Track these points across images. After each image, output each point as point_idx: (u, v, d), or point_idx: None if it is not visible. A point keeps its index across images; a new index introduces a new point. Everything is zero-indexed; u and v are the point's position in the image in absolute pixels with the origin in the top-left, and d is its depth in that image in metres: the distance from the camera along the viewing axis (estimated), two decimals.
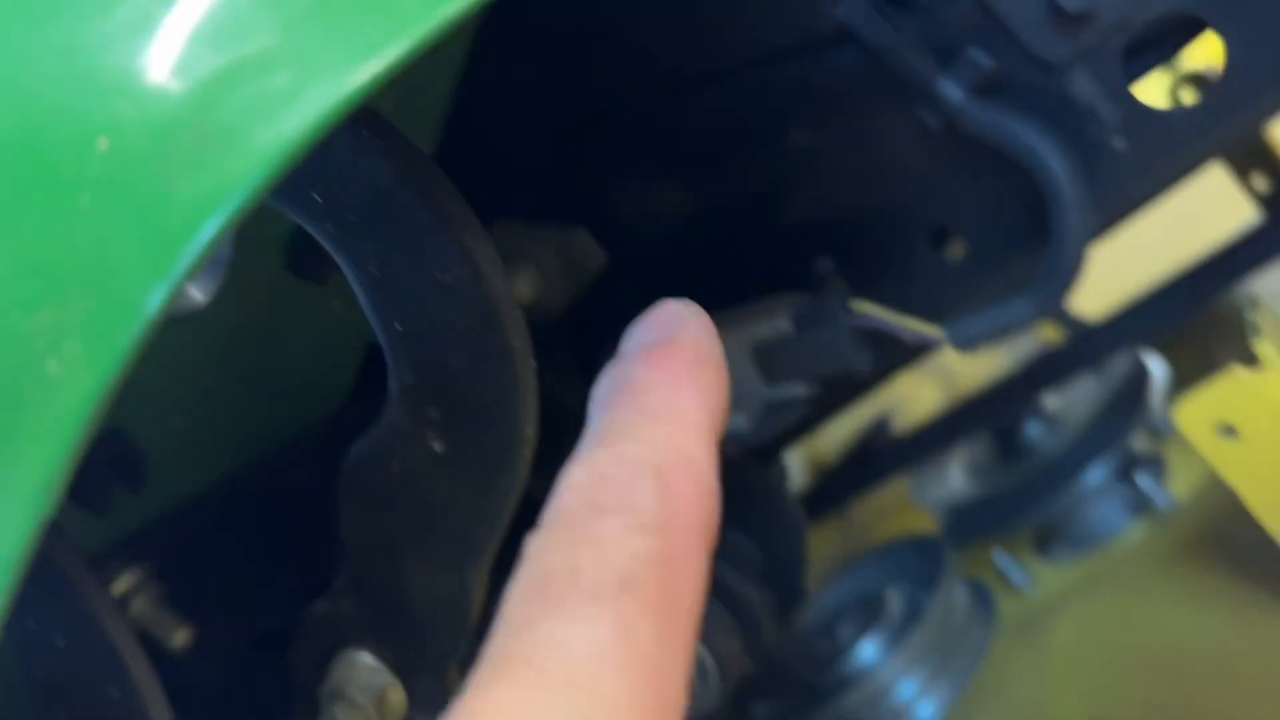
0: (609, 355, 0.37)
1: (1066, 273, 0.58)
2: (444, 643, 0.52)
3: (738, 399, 0.71)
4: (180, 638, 0.60)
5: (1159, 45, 0.57)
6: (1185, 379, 1.11)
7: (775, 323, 0.70)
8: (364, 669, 0.53)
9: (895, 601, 1.04)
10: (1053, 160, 0.55)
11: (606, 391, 0.35)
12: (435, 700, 0.52)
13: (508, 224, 0.77)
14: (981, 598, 1.06)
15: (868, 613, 1.02)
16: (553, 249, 0.82)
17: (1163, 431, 1.12)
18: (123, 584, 0.60)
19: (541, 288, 0.85)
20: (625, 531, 0.30)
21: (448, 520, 0.49)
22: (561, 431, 0.46)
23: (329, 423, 0.70)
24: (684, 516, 0.31)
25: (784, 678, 0.96)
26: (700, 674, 0.73)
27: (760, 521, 0.80)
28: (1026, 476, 1.16)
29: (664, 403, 0.34)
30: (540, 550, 0.31)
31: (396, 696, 0.53)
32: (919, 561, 1.06)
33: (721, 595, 0.72)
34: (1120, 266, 0.97)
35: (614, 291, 0.68)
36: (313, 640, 0.55)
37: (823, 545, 1.25)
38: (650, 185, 0.76)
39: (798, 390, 0.72)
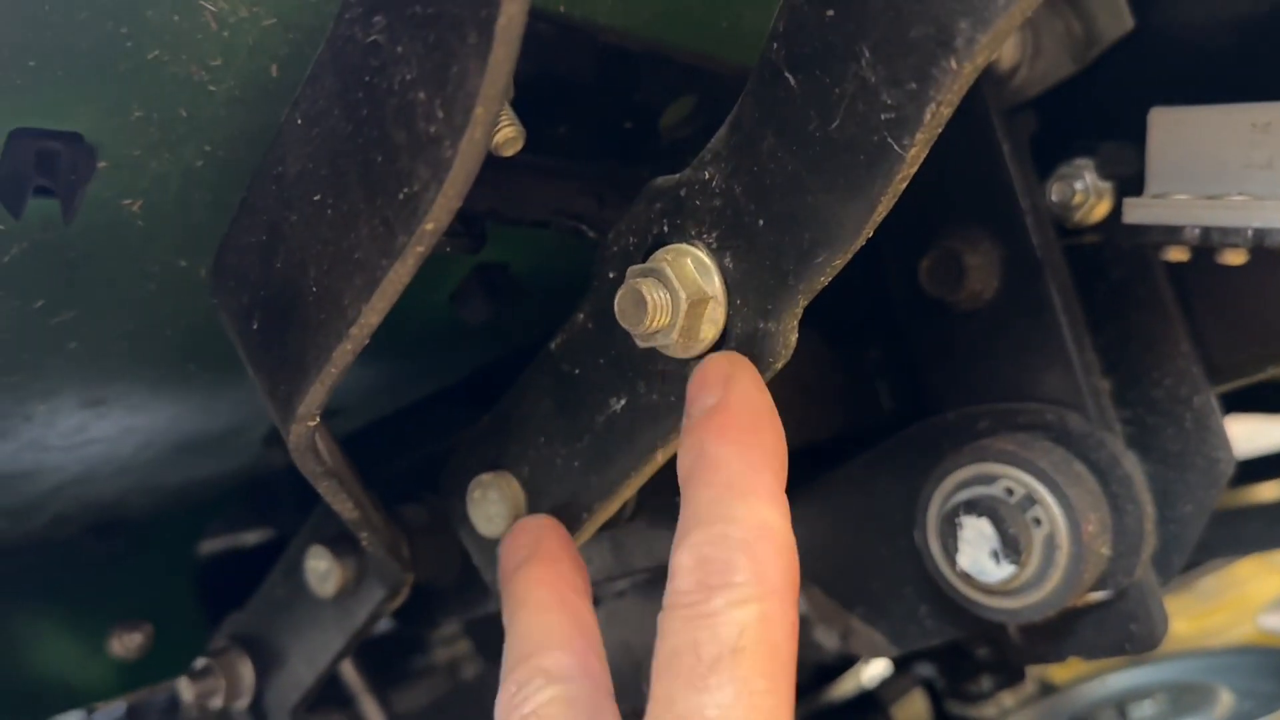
0: None
1: None
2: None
3: None
4: None
5: None
6: None
7: None
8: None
9: (1226, 700, 0.95)
10: None
11: (688, 467, 0.45)
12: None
13: None
14: None
15: (1189, 700, 0.94)
16: (1065, 6, 0.60)
17: None
18: None
19: (1029, 54, 0.63)
20: (730, 606, 0.40)
21: None
22: None
23: None
24: (772, 580, 0.41)
25: None
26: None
27: None
28: None
29: (738, 477, 0.43)
30: (668, 630, 0.41)
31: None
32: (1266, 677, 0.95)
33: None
34: None
35: None
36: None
37: None
38: None
39: None
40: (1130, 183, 0.58)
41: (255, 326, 0.44)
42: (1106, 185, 0.61)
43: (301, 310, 0.41)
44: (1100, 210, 0.61)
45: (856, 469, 0.67)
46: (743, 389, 0.44)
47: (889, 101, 0.38)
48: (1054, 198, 0.61)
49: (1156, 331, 0.62)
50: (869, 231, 0.42)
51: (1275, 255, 0.53)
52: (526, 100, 0.51)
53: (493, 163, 0.50)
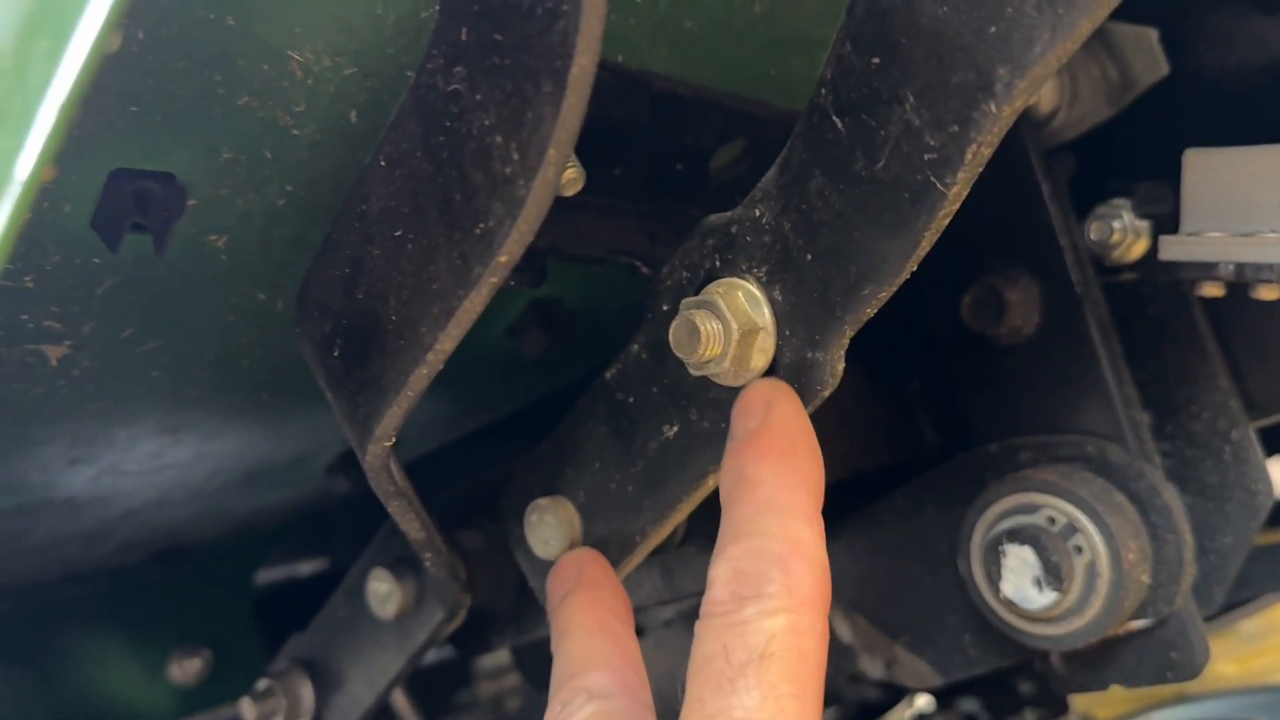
0: None
1: None
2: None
3: None
4: None
5: None
6: None
7: None
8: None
9: None
10: None
11: (729, 487, 0.47)
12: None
13: None
14: None
15: None
16: (1101, 50, 0.63)
17: None
18: None
19: (1067, 99, 0.65)
20: (760, 615, 0.42)
21: None
22: None
23: None
24: (802, 593, 0.43)
25: None
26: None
27: None
28: None
29: (775, 496, 0.45)
30: (702, 637, 0.44)
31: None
32: None
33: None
34: None
35: None
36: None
37: None
38: None
39: None
40: (1166, 221, 0.60)
41: (336, 354, 0.47)
42: (1144, 224, 0.62)
43: (381, 337, 0.44)
44: (1138, 248, 0.63)
45: (900, 499, 0.68)
46: (782, 414, 0.47)
47: (932, 143, 0.41)
48: (1092, 236, 0.63)
49: (1194, 366, 0.64)
50: (913, 266, 0.45)
51: None
52: (585, 143, 0.54)
53: (555, 202, 0.53)
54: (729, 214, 0.50)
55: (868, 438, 0.72)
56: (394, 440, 0.47)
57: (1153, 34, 0.63)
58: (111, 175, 0.46)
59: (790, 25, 0.57)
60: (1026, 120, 0.65)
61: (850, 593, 0.71)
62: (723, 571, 0.44)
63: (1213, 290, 0.55)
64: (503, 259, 0.39)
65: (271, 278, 0.56)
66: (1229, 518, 0.63)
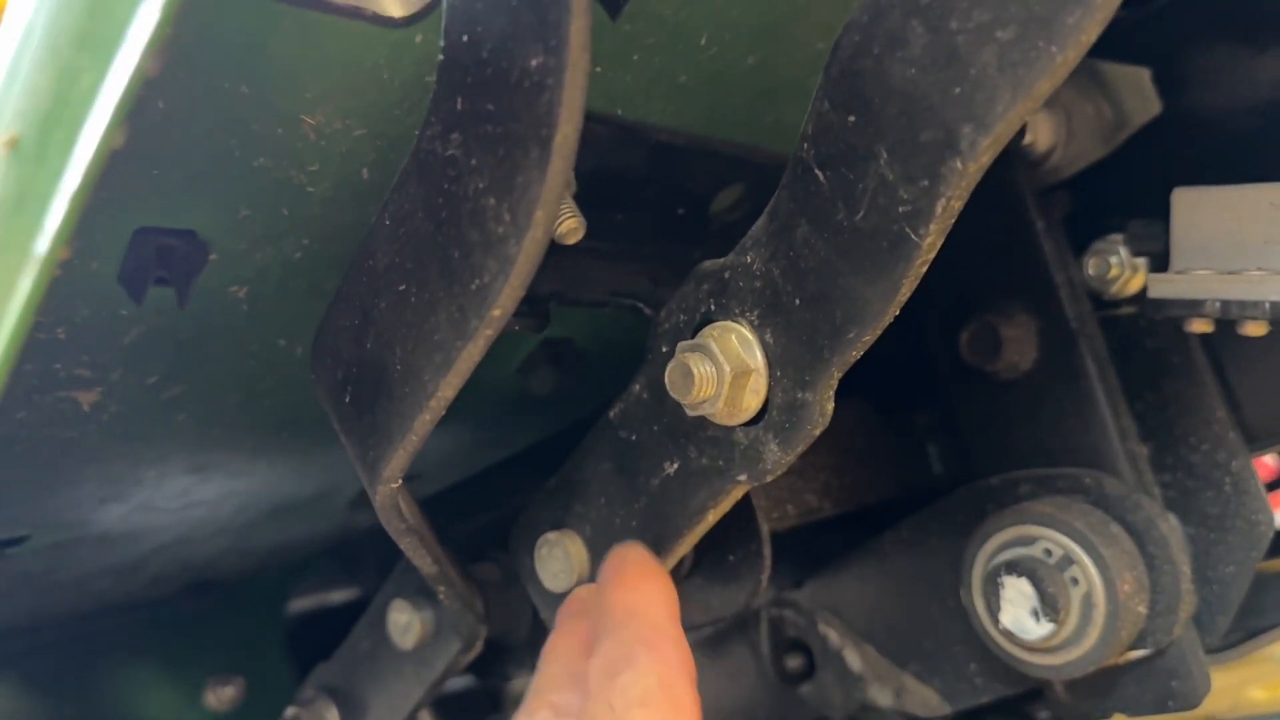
0: None
1: None
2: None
3: None
4: None
5: None
6: None
7: None
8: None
9: None
10: None
11: (599, 618, 0.55)
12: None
13: None
14: None
15: None
16: (1095, 89, 0.64)
17: None
18: None
19: (1063, 137, 0.67)
20: (635, 678, 0.50)
21: None
22: None
23: None
24: (669, 660, 0.51)
25: None
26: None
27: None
28: None
29: (635, 608, 0.54)
30: (587, 712, 0.51)
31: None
32: None
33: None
34: None
35: None
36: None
37: None
38: None
39: None
40: (1160, 258, 0.62)
41: (347, 399, 0.49)
42: (1140, 260, 0.64)
43: (388, 384, 0.46)
44: (1135, 283, 0.64)
45: (906, 531, 0.70)
46: (632, 556, 0.57)
47: (905, 196, 0.42)
48: (1090, 271, 0.65)
49: (1192, 398, 0.65)
50: (895, 310, 0.46)
51: None
52: (587, 192, 0.56)
53: (557, 249, 0.56)
54: (723, 260, 0.52)
55: (873, 471, 0.74)
56: (400, 481, 0.50)
57: (1145, 74, 0.64)
58: (136, 233, 0.49)
59: (782, 75, 0.59)
60: (1022, 159, 0.67)
61: (860, 623, 0.73)
62: (596, 663, 0.52)
63: (1201, 327, 0.57)
64: (496, 312, 0.41)
65: (290, 326, 0.59)
66: (1230, 548, 0.64)
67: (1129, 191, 0.66)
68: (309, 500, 0.84)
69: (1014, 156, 0.65)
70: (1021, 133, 0.66)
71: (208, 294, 0.54)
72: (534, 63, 0.38)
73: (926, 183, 0.42)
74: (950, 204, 0.42)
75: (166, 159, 0.47)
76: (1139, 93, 0.64)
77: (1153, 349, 0.66)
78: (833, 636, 0.73)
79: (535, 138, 0.38)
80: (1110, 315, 0.66)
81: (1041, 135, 0.68)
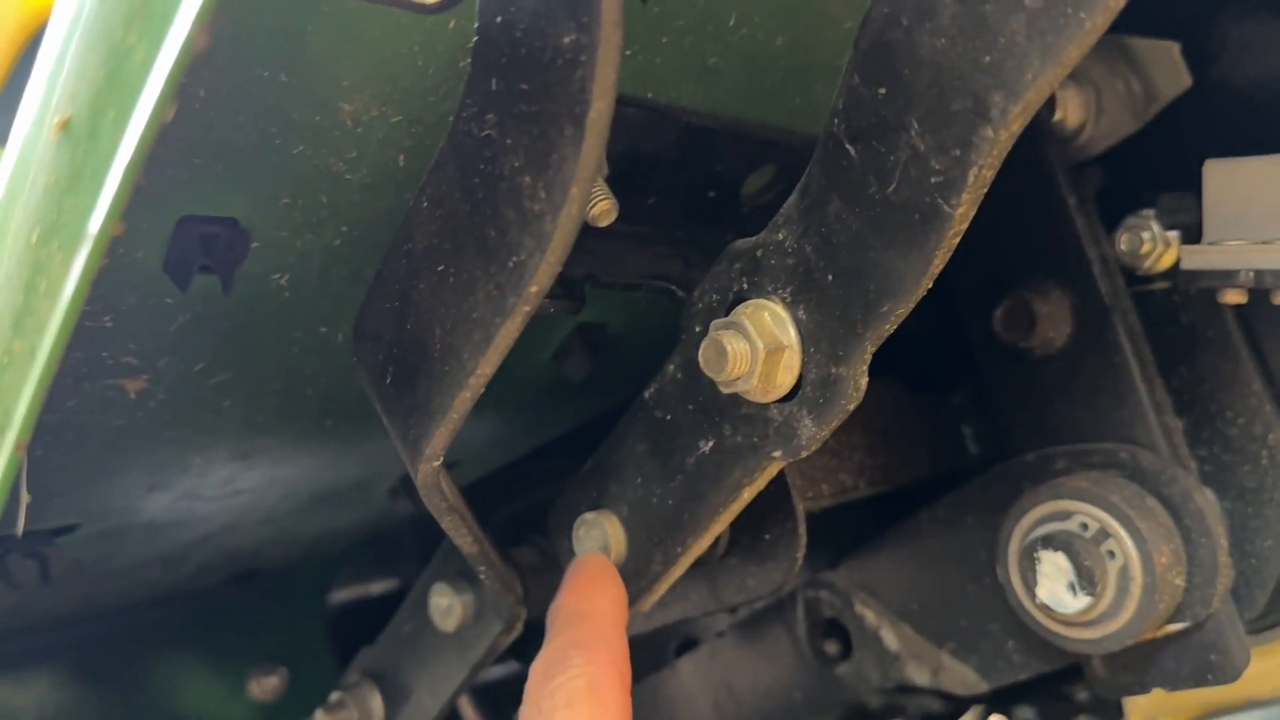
0: None
1: None
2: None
3: None
4: None
5: None
6: None
7: None
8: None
9: None
10: None
11: (549, 621, 0.58)
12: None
13: None
14: None
15: None
16: (1124, 65, 0.64)
17: None
18: None
19: (1093, 114, 0.67)
20: (566, 681, 0.52)
21: None
22: None
23: None
24: (601, 662, 0.53)
25: None
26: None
27: None
28: None
29: (579, 611, 0.58)
30: (521, 714, 0.54)
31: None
32: None
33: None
34: None
35: None
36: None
37: None
38: None
39: None
40: (1193, 231, 0.61)
41: (389, 381, 0.50)
42: (1173, 234, 0.64)
43: (428, 365, 0.47)
44: (1168, 258, 0.64)
45: (941, 510, 0.70)
46: (587, 565, 0.60)
47: (937, 166, 0.43)
48: (1123, 247, 0.65)
49: (1227, 372, 0.65)
50: (928, 283, 0.47)
51: None
52: (619, 175, 0.57)
53: (590, 232, 0.56)
54: (755, 238, 0.52)
55: (907, 451, 0.74)
56: (442, 459, 0.50)
57: (1174, 47, 0.64)
58: (180, 222, 0.50)
59: (812, 55, 0.60)
60: (1053, 136, 0.67)
61: (896, 602, 0.73)
62: (536, 665, 0.55)
63: (1235, 297, 0.56)
64: (534, 289, 0.42)
65: (332, 311, 0.60)
66: (1268, 521, 0.64)
67: (1161, 166, 0.66)
68: (350, 488, 0.85)
69: (1045, 133, 0.65)
70: (1052, 109, 0.66)
71: (250, 281, 0.55)
72: (567, 40, 0.38)
73: (958, 152, 0.42)
74: (982, 173, 0.42)
75: (208, 147, 0.48)
76: (1168, 67, 0.64)
77: (1187, 323, 0.66)
78: (869, 616, 0.74)
79: (569, 115, 0.39)
80: (1144, 290, 0.66)
81: (1072, 112, 0.68)
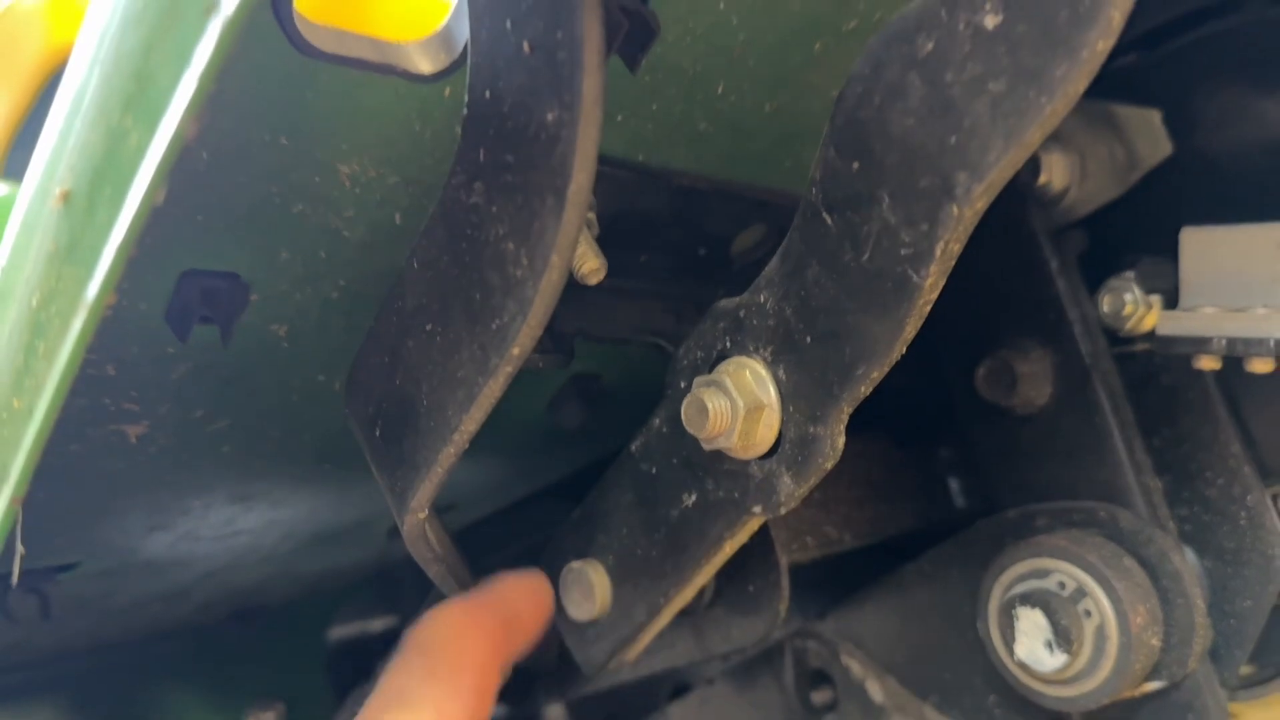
0: None
1: None
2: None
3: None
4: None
5: None
6: None
7: None
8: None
9: None
10: None
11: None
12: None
13: None
14: None
15: None
16: (1107, 131, 0.66)
17: None
18: None
19: (1077, 178, 0.68)
20: None
21: None
22: None
23: None
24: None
25: None
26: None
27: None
28: None
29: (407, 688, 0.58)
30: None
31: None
32: None
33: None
34: None
35: None
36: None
37: None
38: None
39: None
40: (1172, 295, 0.63)
41: (378, 433, 0.52)
42: (1155, 297, 0.65)
43: (415, 419, 0.49)
44: (1150, 320, 0.65)
45: (926, 563, 0.71)
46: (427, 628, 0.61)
47: (906, 239, 0.44)
48: (1105, 308, 0.66)
49: (1207, 434, 0.66)
50: (901, 348, 0.48)
51: None
52: (611, 233, 0.58)
53: (580, 289, 0.58)
54: (738, 299, 0.54)
55: (894, 504, 0.75)
56: (427, 511, 0.52)
57: (1156, 115, 0.66)
58: (182, 275, 0.52)
59: (800, 121, 0.62)
60: (1037, 200, 0.68)
61: (882, 654, 0.74)
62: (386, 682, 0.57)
63: (1209, 364, 0.58)
64: (515, 350, 0.43)
65: (330, 361, 0.62)
66: (1247, 581, 0.65)
67: (1143, 230, 0.68)
68: (349, 529, 0.87)
69: (1028, 196, 0.67)
70: (1036, 173, 0.68)
71: (250, 332, 0.57)
72: (550, 116, 0.40)
73: (926, 226, 0.43)
74: (949, 246, 0.43)
75: (210, 206, 0.50)
76: (1150, 134, 0.66)
77: (1168, 385, 0.67)
78: (855, 668, 0.74)
79: (551, 187, 0.40)
80: (1126, 351, 0.68)
81: (1056, 176, 0.69)
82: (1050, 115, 0.40)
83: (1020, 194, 0.66)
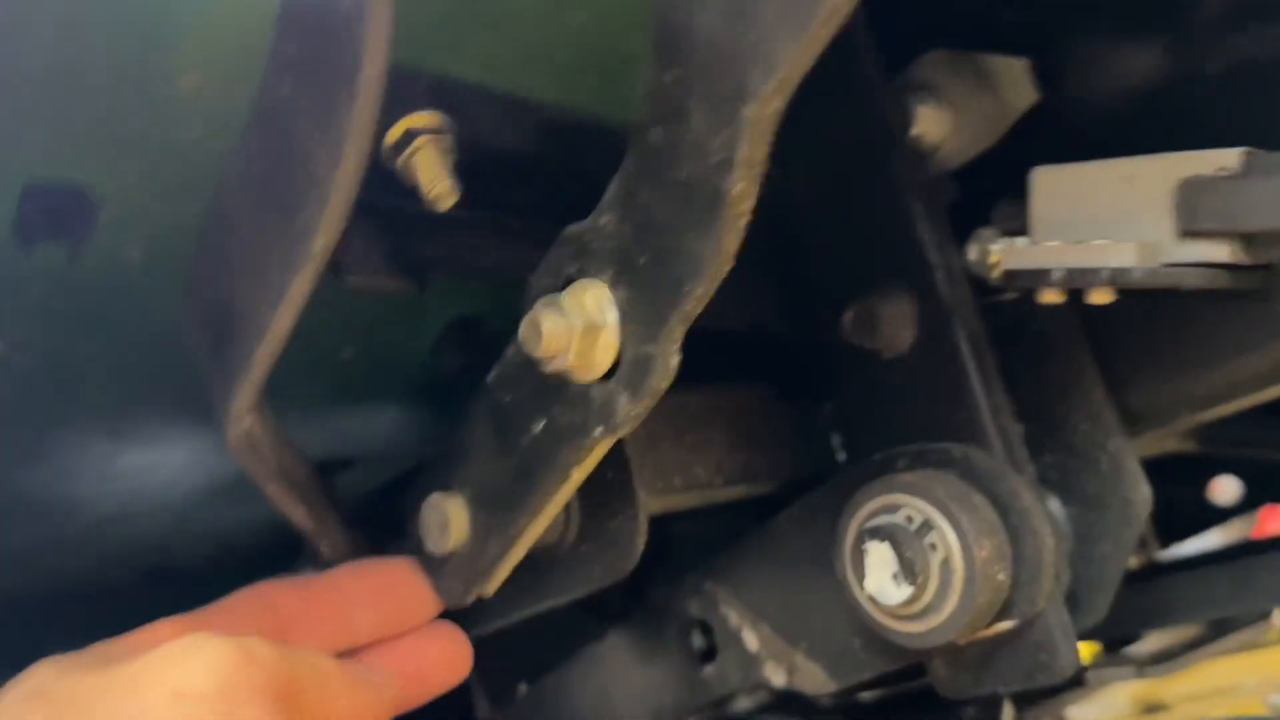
0: None
1: None
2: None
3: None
4: None
5: None
6: None
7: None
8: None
9: None
10: None
11: None
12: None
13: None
14: None
15: None
16: (977, 82, 0.67)
17: None
18: None
19: (950, 129, 0.69)
20: None
21: None
22: None
23: None
24: None
25: None
26: None
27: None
28: None
29: None
30: None
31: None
32: None
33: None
34: None
35: None
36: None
37: None
38: None
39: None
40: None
41: (208, 343, 0.52)
42: (1021, 241, 0.66)
43: (234, 325, 0.49)
44: None
45: (797, 510, 0.71)
46: None
47: (713, 147, 0.45)
48: (972, 256, 0.66)
49: (1071, 380, 0.66)
50: (725, 263, 0.49)
51: (1171, 298, 0.57)
52: (477, 164, 0.59)
53: (445, 220, 0.59)
54: (584, 223, 0.55)
55: (771, 453, 0.75)
56: (249, 420, 0.52)
57: (1022, 63, 0.67)
58: (26, 189, 0.53)
59: None
60: (908, 150, 0.69)
61: (757, 602, 0.74)
62: None
63: (1051, 296, 0.58)
64: (318, 245, 0.44)
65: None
66: (1108, 525, 0.65)
67: (1013, 179, 0.68)
68: (244, 480, 0.86)
69: (892, 145, 0.67)
70: (907, 124, 0.69)
71: (103, 253, 0.57)
72: (345, 4, 0.41)
73: (727, 132, 0.44)
74: (750, 153, 0.44)
75: (50, 117, 0.50)
76: (1017, 82, 0.67)
77: (1035, 333, 0.67)
78: (732, 617, 0.75)
79: (346, 78, 0.41)
80: (996, 300, 0.68)
81: (930, 128, 0.70)
82: (833, 10, 0.40)
83: (884, 143, 0.67)
